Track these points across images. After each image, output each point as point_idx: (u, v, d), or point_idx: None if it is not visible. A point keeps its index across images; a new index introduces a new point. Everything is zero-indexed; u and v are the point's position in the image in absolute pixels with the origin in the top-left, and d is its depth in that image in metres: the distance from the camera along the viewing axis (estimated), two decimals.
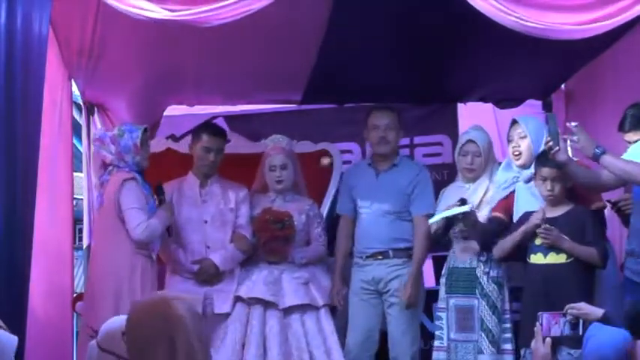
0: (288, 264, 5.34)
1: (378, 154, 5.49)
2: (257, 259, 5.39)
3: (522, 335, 4.83)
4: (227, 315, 5.23)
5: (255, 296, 5.22)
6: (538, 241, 4.77)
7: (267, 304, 5.21)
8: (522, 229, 4.82)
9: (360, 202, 5.46)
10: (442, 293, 5.19)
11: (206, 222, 5.33)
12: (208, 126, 5.57)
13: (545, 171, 4.78)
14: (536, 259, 4.78)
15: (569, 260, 4.70)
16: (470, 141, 5.22)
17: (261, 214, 5.33)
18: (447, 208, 5.10)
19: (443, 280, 5.21)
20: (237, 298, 5.25)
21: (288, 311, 5.22)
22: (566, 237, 4.70)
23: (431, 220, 5.13)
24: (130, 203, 4.94)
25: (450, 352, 5.09)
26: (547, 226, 4.69)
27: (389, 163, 5.47)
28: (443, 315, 5.16)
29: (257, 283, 5.25)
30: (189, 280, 5.25)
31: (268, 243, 5.28)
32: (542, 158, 4.81)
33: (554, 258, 4.73)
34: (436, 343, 5.18)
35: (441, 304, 5.20)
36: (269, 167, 5.43)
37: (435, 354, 5.17)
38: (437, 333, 5.19)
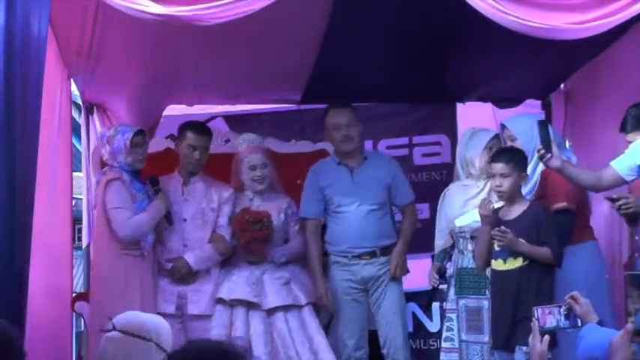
0: (269, 264, 5.32)
1: (345, 152, 5.43)
2: (237, 260, 5.37)
3: (494, 338, 4.84)
4: (206, 317, 5.19)
5: (239, 298, 5.20)
6: (497, 246, 4.77)
7: (249, 305, 5.19)
8: (480, 230, 4.85)
9: (338, 201, 5.37)
10: (451, 294, 5.20)
11: (185, 220, 5.31)
12: (193, 124, 5.51)
13: (494, 167, 4.81)
14: (497, 264, 4.78)
15: (525, 263, 4.70)
16: (496, 136, 5.22)
17: (239, 214, 5.30)
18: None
19: (452, 280, 5.21)
20: (219, 300, 5.24)
21: (271, 311, 5.20)
22: (521, 240, 4.68)
23: (459, 223, 5.10)
24: (114, 203, 5.04)
25: (461, 353, 5.08)
26: (502, 228, 4.68)
27: (359, 158, 5.43)
28: (453, 316, 5.16)
29: (239, 284, 5.23)
30: (165, 277, 5.24)
31: (248, 244, 5.27)
32: (495, 155, 4.89)
33: (512, 263, 4.73)
34: (447, 344, 5.18)
35: (450, 305, 5.20)
36: (249, 166, 5.37)
37: (446, 356, 5.16)
38: (447, 334, 5.18)
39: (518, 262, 4.70)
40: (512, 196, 4.80)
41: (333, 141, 5.45)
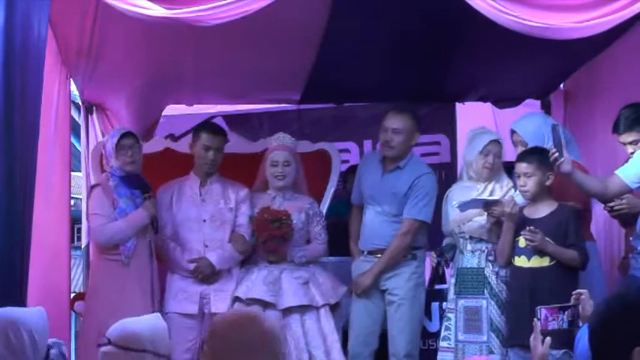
0: (288, 263, 5.31)
1: (384, 154, 5.48)
2: (257, 259, 5.37)
3: (508, 335, 4.87)
4: None
5: (255, 297, 5.20)
6: (522, 243, 4.78)
7: (265, 304, 5.19)
8: (505, 227, 4.85)
9: (365, 196, 5.49)
10: (451, 294, 5.20)
11: (205, 221, 5.33)
12: (208, 125, 5.59)
13: (518, 166, 4.83)
14: (521, 262, 4.80)
15: (551, 263, 4.72)
16: (494, 141, 5.19)
17: (259, 213, 5.31)
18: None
19: (452, 280, 5.22)
20: (236, 299, 5.24)
21: (287, 311, 5.20)
22: (550, 240, 4.70)
23: (452, 217, 5.11)
24: (92, 209, 5.21)
25: (457, 352, 5.08)
26: (532, 228, 4.70)
27: (394, 164, 5.44)
28: (452, 316, 5.15)
29: (256, 283, 5.23)
30: (188, 278, 5.26)
31: (267, 242, 5.28)
32: (519, 155, 4.89)
33: (538, 261, 4.75)
34: (444, 343, 5.17)
35: (450, 304, 5.20)
36: (271, 163, 5.39)
37: (441, 355, 5.16)
38: (445, 334, 5.17)
39: (544, 262, 4.73)
40: (537, 196, 4.81)
41: (379, 140, 5.51)
